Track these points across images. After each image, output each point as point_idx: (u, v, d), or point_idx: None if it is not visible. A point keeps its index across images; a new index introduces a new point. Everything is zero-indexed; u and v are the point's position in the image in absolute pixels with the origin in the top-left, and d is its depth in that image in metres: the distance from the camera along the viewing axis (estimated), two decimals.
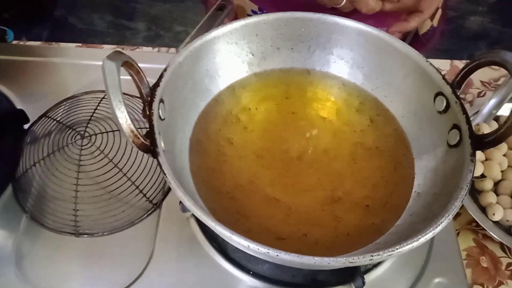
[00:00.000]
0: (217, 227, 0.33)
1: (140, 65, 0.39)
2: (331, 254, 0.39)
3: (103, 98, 0.53)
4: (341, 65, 0.52)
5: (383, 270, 0.47)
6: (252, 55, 0.51)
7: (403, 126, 0.48)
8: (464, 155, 0.38)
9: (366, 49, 0.49)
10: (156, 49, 0.75)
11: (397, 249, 0.32)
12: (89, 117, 0.51)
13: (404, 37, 0.71)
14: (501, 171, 0.57)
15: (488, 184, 0.56)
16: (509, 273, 0.52)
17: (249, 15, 0.68)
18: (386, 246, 0.33)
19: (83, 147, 0.48)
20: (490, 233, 0.51)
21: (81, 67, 0.65)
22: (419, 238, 0.33)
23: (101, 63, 0.64)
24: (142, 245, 0.48)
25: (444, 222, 0.33)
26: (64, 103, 0.56)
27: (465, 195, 0.35)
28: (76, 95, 0.57)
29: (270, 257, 0.32)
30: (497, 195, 0.55)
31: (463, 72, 0.41)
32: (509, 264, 0.52)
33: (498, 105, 0.60)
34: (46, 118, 0.54)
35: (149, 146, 0.37)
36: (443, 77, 0.43)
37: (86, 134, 0.50)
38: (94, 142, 0.50)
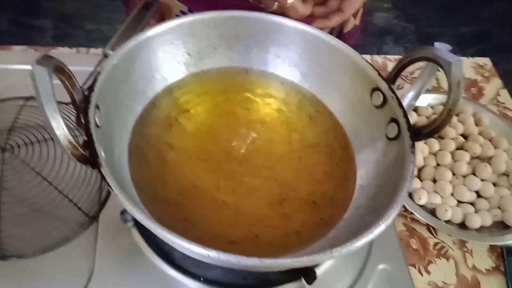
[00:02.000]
0: (174, 239, 0.31)
1: None
2: (284, 253, 0.40)
3: (24, 105, 0.48)
4: (278, 63, 0.52)
5: (330, 263, 0.48)
6: (189, 55, 0.49)
7: (341, 122, 0.50)
8: (404, 147, 0.40)
9: (302, 47, 0.50)
10: (74, 49, 0.69)
11: (353, 243, 0.33)
12: (9, 127, 0.45)
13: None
14: (423, 158, 0.61)
15: None
16: (436, 252, 0.55)
17: (177, 15, 0.66)
18: (338, 240, 0.34)
19: (4, 162, 0.43)
20: (418, 216, 0.55)
21: None
22: (373, 230, 0.34)
23: (12, 66, 0.59)
24: (81, 263, 0.44)
25: (394, 212, 0.35)
26: None
27: (410, 185, 0.37)
28: None
29: (231, 264, 0.31)
30: (421, 180, 0.59)
31: (398, 68, 0.44)
32: (435, 244, 0.56)
33: (416, 97, 0.64)
34: None
35: (89, 157, 0.34)
36: (379, 73, 0.45)
37: (8, 147, 0.45)
38: (18, 154, 0.45)
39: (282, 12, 0.49)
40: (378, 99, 0.45)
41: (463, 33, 2.15)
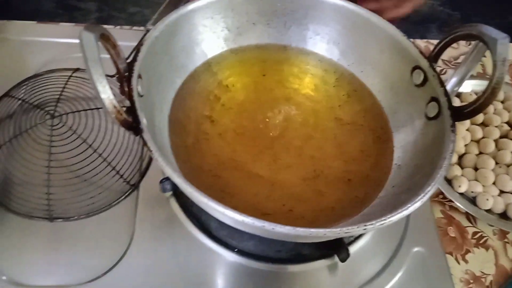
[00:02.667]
0: (210, 203, 0.32)
1: None
2: (317, 227, 0.40)
3: (71, 76, 0.50)
4: (317, 41, 0.51)
5: (364, 242, 0.48)
6: (228, 30, 0.50)
7: (380, 101, 0.49)
8: (444, 127, 0.39)
9: (342, 24, 0.49)
10: (118, 27, 0.71)
11: (388, 218, 0.33)
12: (58, 96, 0.48)
13: None
14: (465, 145, 0.59)
15: (453, 158, 0.58)
16: (474, 242, 0.54)
17: None
18: (372, 217, 0.34)
19: (53, 128, 0.46)
20: (457, 204, 0.54)
21: (38, 44, 0.61)
22: (408, 207, 0.33)
23: (60, 39, 0.61)
24: (121, 228, 0.46)
25: (431, 190, 0.34)
26: (27, 82, 0.52)
27: (449, 164, 0.36)
28: (39, 74, 0.53)
29: (265, 231, 0.32)
30: (462, 168, 0.58)
31: (440, 45, 0.42)
32: (474, 233, 0.55)
33: (459, 83, 0.62)
34: (9, 98, 0.50)
35: (132, 123, 0.35)
36: (420, 51, 0.44)
37: (57, 114, 0.47)
38: (66, 122, 0.47)
39: None
40: (418, 77, 0.44)
41: (510, 22, 2.05)
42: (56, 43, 0.61)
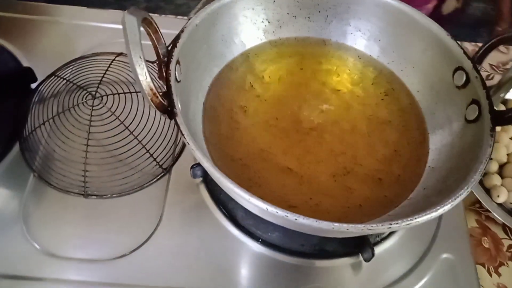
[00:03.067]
0: (235, 189, 0.32)
1: None
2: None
3: (114, 60, 0.52)
4: (357, 36, 0.51)
5: (391, 243, 0.47)
6: (268, 22, 0.50)
7: (418, 101, 0.48)
8: (483, 130, 0.38)
9: (384, 20, 0.49)
10: (162, 15, 0.73)
11: (415, 218, 0.32)
12: (100, 78, 0.49)
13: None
14: (507, 154, 0.57)
15: (493, 166, 0.56)
16: (510, 255, 0.52)
17: None
18: (399, 217, 0.33)
19: (94, 108, 0.47)
20: (494, 214, 0.52)
21: (87, 28, 0.64)
22: (438, 209, 0.33)
23: (106, 25, 0.63)
24: (151, 209, 0.48)
25: (464, 194, 0.33)
26: (73, 63, 0.54)
27: (484, 169, 0.35)
28: (85, 56, 0.55)
29: (288, 221, 0.32)
30: (502, 177, 0.56)
31: (485, 47, 0.41)
32: (510, 246, 0.53)
33: (507, 89, 0.59)
34: (55, 77, 0.53)
35: (167, 107, 0.36)
36: (464, 51, 0.42)
37: (98, 95, 0.49)
38: (106, 103, 0.49)
39: None
40: (460, 79, 0.42)
41: None
42: (104, 28, 0.63)
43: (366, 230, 0.31)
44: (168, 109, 0.36)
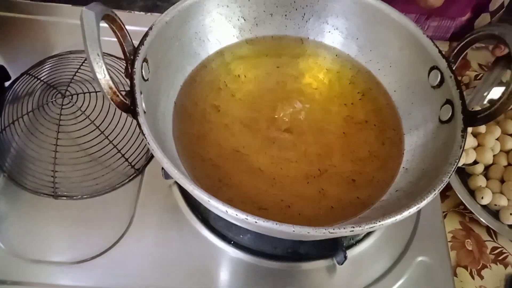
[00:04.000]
0: (195, 191, 0.31)
1: (129, 27, 0.37)
2: (313, 226, 0.39)
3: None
4: (335, 35, 0.50)
5: (366, 246, 0.46)
6: (244, 20, 0.49)
7: (395, 101, 0.47)
8: (455, 131, 0.37)
9: (362, 18, 0.48)
10: (148, 14, 0.72)
11: (379, 221, 0.31)
12: (71, 77, 0.49)
13: None
14: (493, 155, 0.56)
15: (478, 168, 0.55)
16: (493, 257, 0.51)
17: None
18: (367, 220, 0.32)
19: (63, 107, 0.47)
20: (478, 216, 0.51)
21: (68, 26, 0.62)
22: (403, 212, 0.32)
23: None
24: (122, 210, 0.47)
25: (430, 197, 0.32)
26: (48, 61, 0.54)
27: (453, 171, 0.34)
28: (60, 54, 0.54)
29: (248, 224, 0.31)
30: (487, 179, 0.55)
31: (460, 45, 0.40)
32: (494, 248, 0.52)
33: (488, 88, 0.58)
34: (28, 76, 0.52)
35: (129, 105, 0.35)
36: (439, 50, 0.41)
37: (67, 93, 0.48)
38: (76, 102, 0.48)
39: None
40: (435, 78, 0.41)
41: None
42: (77, 25, 0.62)
43: (328, 233, 0.30)
44: (130, 108, 0.35)
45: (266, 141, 0.45)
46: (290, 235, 0.32)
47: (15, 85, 0.52)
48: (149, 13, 0.71)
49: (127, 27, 0.38)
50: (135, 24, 0.49)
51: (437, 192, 0.33)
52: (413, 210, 0.32)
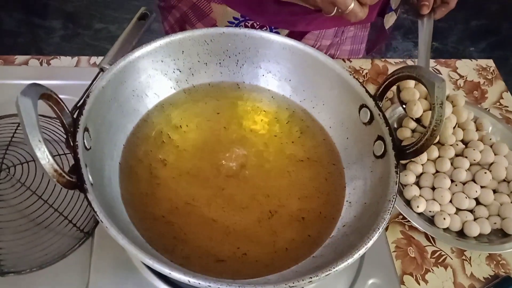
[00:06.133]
0: (155, 265, 0.32)
1: (59, 82, 0.37)
2: (271, 271, 0.40)
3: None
4: (269, 78, 0.52)
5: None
6: (180, 71, 0.50)
7: (332, 137, 0.50)
8: (389, 166, 0.40)
9: (292, 62, 0.50)
10: (75, 58, 0.70)
11: (333, 267, 0.33)
12: (6, 146, 0.47)
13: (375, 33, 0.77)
14: (422, 165, 0.61)
15: (411, 178, 0.59)
16: (434, 261, 0.55)
17: (230, 22, 0.67)
18: (323, 260, 0.35)
19: (1, 181, 0.45)
20: (415, 224, 0.55)
21: None
22: (353, 254, 0.34)
23: (12, 81, 0.60)
24: (76, 277, 0.46)
25: (375, 235, 0.35)
26: None
27: (392, 207, 0.37)
28: None
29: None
30: (420, 187, 0.59)
31: (384, 85, 0.44)
32: (433, 252, 0.56)
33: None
34: None
35: (76, 182, 0.35)
36: (366, 90, 0.45)
37: (4, 166, 0.46)
38: (14, 174, 0.46)
39: (341, 16, 0.49)
40: (365, 116, 0.45)
41: (472, 27, 2.12)
42: (8, 85, 0.59)
43: (288, 287, 0.32)
44: (77, 185, 0.35)
45: (215, 189, 0.46)
46: None
47: None
48: (75, 58, 0.69)
49: (56, 82, 0.37)
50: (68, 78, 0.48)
51: (381, 230, 0.36)
52: (362, 251, 0.34)
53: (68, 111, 0.38)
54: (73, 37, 1.91)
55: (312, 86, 0.50)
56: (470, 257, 0.56)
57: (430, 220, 0.57)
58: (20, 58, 0.67)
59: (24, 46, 1.85)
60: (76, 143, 0.37)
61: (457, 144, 0.62)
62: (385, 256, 0.51)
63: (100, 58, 0.68)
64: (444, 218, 0.55)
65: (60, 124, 0.51)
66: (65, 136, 0.43)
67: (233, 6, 0.65)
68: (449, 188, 0.58)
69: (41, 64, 0.66)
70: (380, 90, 0.44)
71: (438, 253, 0.56)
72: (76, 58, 0.70)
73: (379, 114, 0.43)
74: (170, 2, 0.73)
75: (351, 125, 0.47)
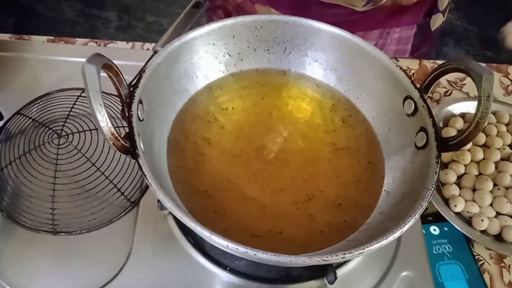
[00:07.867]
0: (197, 228, 0.34)
1: (116, 61, 0.39)
2: (305, 250, 0.42)
3: (79, 96, 0.53)
4: (315, 66, 0.53)
5: (354, 264, 0.49)
6: (229, 55, 0.52)
7: (374, 127, 0.50)
8: (430, 157, 0.41)
9: (339, 51, 0.51)
10: (130, 44, 0.74)
11: (367, 247, 0.34)
12: (66, 116, 0.50)
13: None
14: (464, 165, 0.60)
15: (451, 177, 0.59)
16: None
17: None
18: (357, 243, 0.35)
19: (60, 146, 0.48)
20: (452, 223, 0.54)
21: (53, 63, 0.64)
22: (388, 237, 0.35)
23: (73, 59, 0.64)
24: (120, 243, 0.49)
25: (411, 221, 0.36)
26: (38, 101, 0.55)
27: (431, 195, 0.37)
28: (50, 93, 0.56)
29: (248, 256, 0.33)
30: (460, 188, 0.58)
31: (430, 77, 0.44)
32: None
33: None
34: (20, 116, 0.53)
35: (129, 148, 0.37)
36: (412, 82, 0.45)
37: (63, 133, 0.50)
38: (72, 141, 0.50)
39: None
40: (409, 107, 0.45)
41: None
42: (68, 62, 0.64)
43: (321, 261, 0.33)
44: (130, 150, 0.37)
45: (256, 170, 0.48)
46: (287, 264, 0.34)
47: (8, 125, 0.53)
48: (130, 44, 0.73)
49: (116, 62, 0.39)
50: (124, 59, 0.51)
51: (417, 216, 0.36)
52: (397, 234, 0.35)
53: (125, 83, 0.41)
54: (127, 28, 2.00)
55: (357, 76, 0.51)
56: (509, 265, 0.55)
57: (468, 222, 0.56)
58: (79, 41, 0.72)
59: (82, 35, 1.94)
60: (131, 112, 0.39)
61: (503, 148, 0.61)
62: (420, 249, 0.50)
63: (153, 45, 0.72)
64: (482, 220, 0.54)
65: (117, 99, 0.54)
66: (120, 113, 0.47)
67: (277, 7, 0.67)
68: (490, 191, 0.57)
69: (99, 46, 0.71)
70: (427, 82, 0.44)
71: (476, 257, 0.55)
72: (131, 43, 0.74)
73: (423, 106, 0.43)
74: (215, 3, 0.76)
75: (394, 116, 0.48)
